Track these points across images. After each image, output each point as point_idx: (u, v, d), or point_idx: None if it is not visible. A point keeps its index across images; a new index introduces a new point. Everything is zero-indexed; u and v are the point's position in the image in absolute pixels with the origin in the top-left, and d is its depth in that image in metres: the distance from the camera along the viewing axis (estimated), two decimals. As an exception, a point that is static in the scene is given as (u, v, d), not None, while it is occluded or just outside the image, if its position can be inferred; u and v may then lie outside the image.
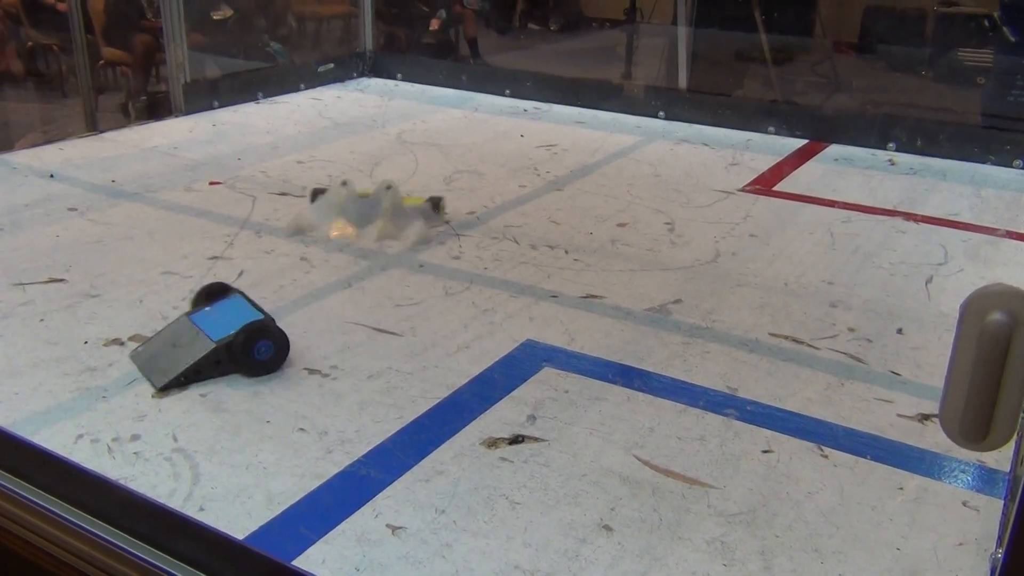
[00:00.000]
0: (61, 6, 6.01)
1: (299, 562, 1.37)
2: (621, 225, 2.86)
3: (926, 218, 3.00)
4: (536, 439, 1.70)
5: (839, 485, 1.59)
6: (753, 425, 1.77)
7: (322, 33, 7.76)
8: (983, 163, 3.63)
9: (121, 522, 1.33)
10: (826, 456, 1.68)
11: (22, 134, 5.49)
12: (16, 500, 1.40)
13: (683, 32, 4.93)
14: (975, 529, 1.49)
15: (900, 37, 5.98)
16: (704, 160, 3.62)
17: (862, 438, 1.74)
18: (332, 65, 4.95)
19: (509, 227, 2.82)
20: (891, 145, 3.79)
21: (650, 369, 1.98)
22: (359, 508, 1.50)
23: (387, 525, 1.46)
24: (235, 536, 1.41)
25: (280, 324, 1.95)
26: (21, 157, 3.44)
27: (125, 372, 1.90)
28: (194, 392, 1.83)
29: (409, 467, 1.61)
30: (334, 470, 1.60)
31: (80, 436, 1.68)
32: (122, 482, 1.54)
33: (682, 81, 4.75)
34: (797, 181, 3.39)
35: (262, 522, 1.46)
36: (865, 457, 1.68)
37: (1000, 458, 1.65)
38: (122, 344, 2.02)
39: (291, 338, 1.96)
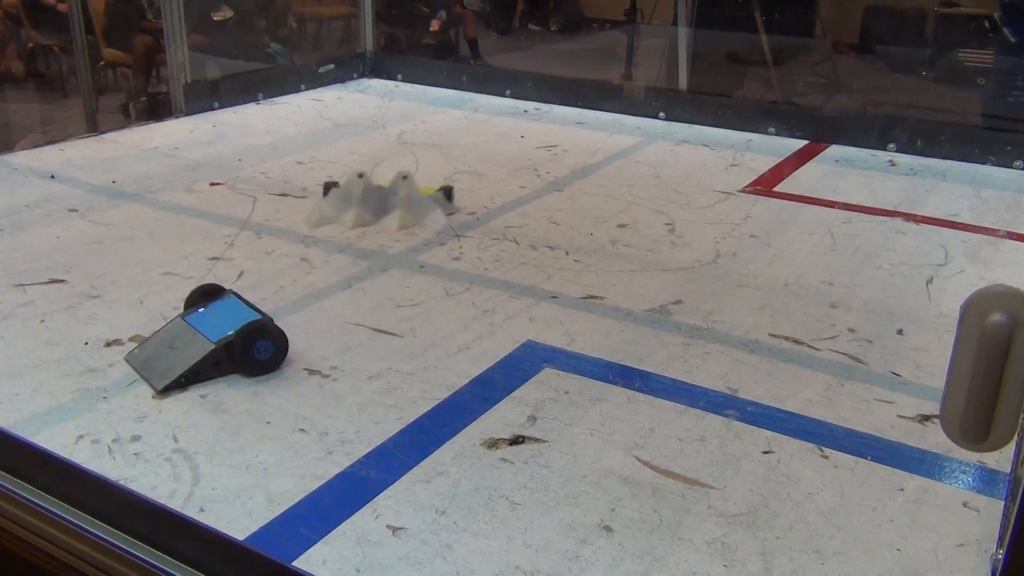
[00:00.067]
0: (62, 7, 6.02)
1: (299, 563, 1.37)
2: (621, 226, 2.86)
3: (926, 219, 2.99)
4: (536, 440, 1.70)
5: (839, 486, 1.59)
6: (753, 426, 1.77)
7: (322, 34, 7.77)
8: (983, 164, 3.62)
9: (121, 523, 1.33)
10: (826, 457, 1.68)
11: (23, 135, 5.50)
12: (16, 501, 1.40)
13: (683, 33, 4.93)
14: (976, 530, 1.49)
15: (900, 38, 5.99)
16: (704, 161, 3.62)
17: (862, 439, 1.74)
18: (332, 66, 4.95)
19: (509, 228, 2.82)
20: (891, 146, 3.79)
21: (650, 370, 1.98)
22: (359, 509, 1.50)
23: (387, 526, 1.46)
24: (235, 537, 1.41)
25: (280, 325, 1.95)
26: (22, 158, 3.44)
27: (125, 373, 1.90)
28: (194, 393, 1.83)
29: (409, 468, 1.61)
30: (334, 471, 1.60)
31: (80, 437, 1.68)
32: (122, 483, 1.54)
33: (682, 82, 4.76)
34: (797, 182, 3.39)
35: (262, 523, 1.46)
36: (865, 458, 1.67)
37: (1001, 459, 1.65)
38: (122, 345, 2.02)
39: (291, 339, 1.96)
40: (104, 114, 5.47)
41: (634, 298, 2.34)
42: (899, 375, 1.99)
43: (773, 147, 3.84)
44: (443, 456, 1.65)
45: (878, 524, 1.50)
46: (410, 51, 6.98)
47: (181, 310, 2.04)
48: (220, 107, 4.25)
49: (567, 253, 2.63)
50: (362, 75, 5.08)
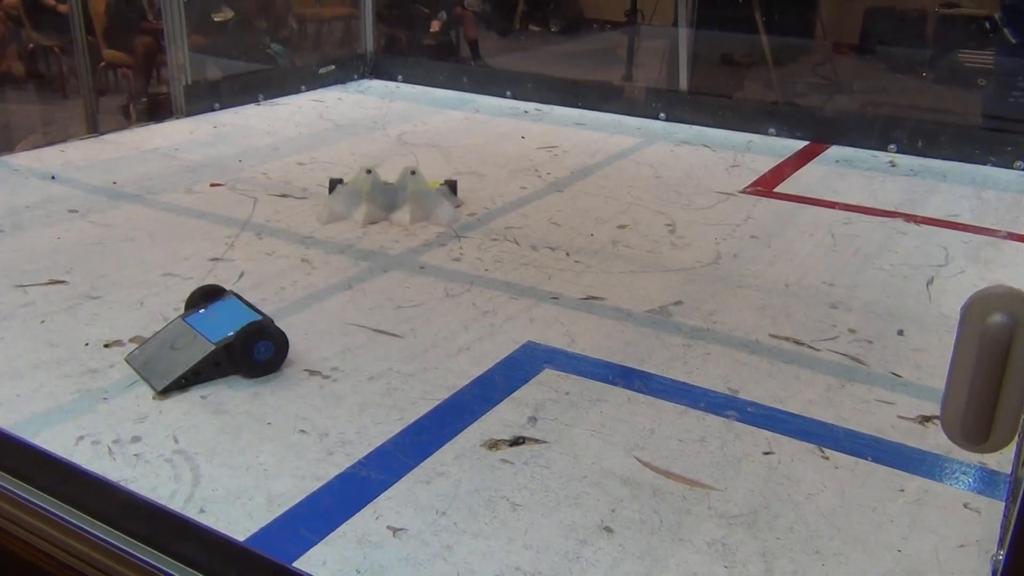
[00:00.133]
0: (62, 8, 6.01)
1: (300, 564, 1.37)
2: (622, 227, 2.86)
3: (927, 219, 2.99)
4: (537, 441, 1.70)
5: (840, 487, 1.59)
6: (754, 427, 1.77)
7: (323, 35, 7.77)
8: (984, 164, 3.62)
9: (122, 524, 1.33)
10: (827, 458, 1.68)
11: (23, 136, 5.50)
12: (17, 502, 1.40)
13: (684, 33, 4.93)
14: (976, 531, 1.49)
15: (901, 38, 5.99)
16: (705, 162, 3.62)
17: (863, 440, 1.74)
18: (333, 67, 4.95)
19: (510, 228, 2.82)
20: (892, 147, 3.79)
21: (651, 371, 1.98)
22: (360, 510, 1.50)
23: (388, 527, 1.46)
24: (236, 538, 1.41)
25: (281, 325, 1.95)
26: (22, 159, 3.44)
27: (126, 374, 1.90)
28: (195, 394, 1.83)
29: (410, 469, 1.61)
30: (335, 471, 1.60)
31: (81, 438, 1.68)
32: (123, 484, 1.54)
33: (683, 83, 4.75)
34: (798, 182, 3.39)
35: (263, 524, 1.46)
36: (866, 459, 1.67)
37: (1001, 460, 1.65)
38: (123, 346, 2.02)
39: (292, 339, 1.96)
40: (104, 115, 5.47)
41: (634, 299, 2.34)
42: (900, 376, 1.98)
43: (774, 148, 3.84)
44: (443, 457, 1.65)
45: (879, 525, 1.50)
46: (410, 52, 6.98)
47: (182, 311, 2.04)
48: (220, 108, 4.25)
49: (567, 254, 2.63)
50: (362, 76, 5.08)
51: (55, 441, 1.66)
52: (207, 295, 2.04)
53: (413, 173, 2.86)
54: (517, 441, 1.70)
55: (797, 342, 2.12)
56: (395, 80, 5.04)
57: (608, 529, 1.47)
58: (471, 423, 1.75)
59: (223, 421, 1.74)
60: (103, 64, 6.45)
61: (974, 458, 1.68)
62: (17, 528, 1.38)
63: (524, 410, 1.80)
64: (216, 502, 1.51)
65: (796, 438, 1.73)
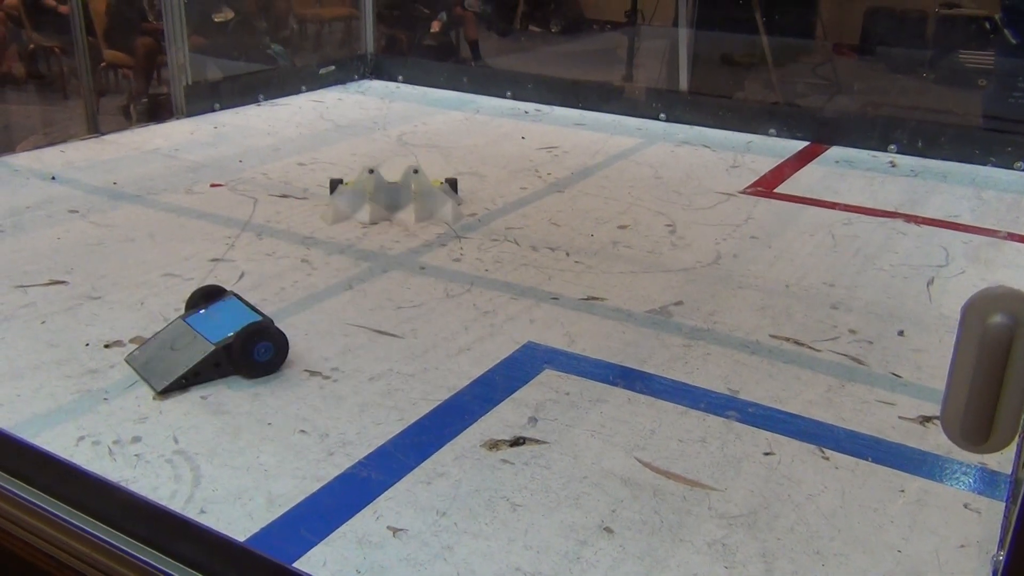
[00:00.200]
0: (63, 8, 6.02)
1: (300, 564, 1.37)
2: (622, 227, 2.86)
3: (927, 220, 2.99)
4: (537, 441, 1.70)
5: (840, 487, 1.59)
6: (754, 427, 1.77)
7: (323, 35, 7.77)
8: (984, 165, 3.62)
9: (122, 524, 1.33)
10: (827, 458, 1.68)
11: (24, 136, 5.50)
12: (17, 502, 1.40)
13: (684, 34, 4.93)
14: (977, 531, 1.49)
15: (901, 39, 5.99)
16: (705, 162, 3.62)
17: (863, 440, 1.74)
18: (333, 67, 4.96)
19: (510, 229, 2.82)
20: (892, 147, 3.79)
21: (651, 371, 1.98)
22: (360, 510, 1.50)
23: (388, 527, 1.46)
24: (236, 538, 1.41)
25: (281, 326, 1.95)
26: (23, 159, 3.44)
27: (126, 374, 1.90)
28: (195, 394, 1.83)
29: (410, 469, 1.61)
30: (335, 472, 1.60)
31: (81, 438, 1.68)
32: (123, 484, 1.54)
33: (683, 83, 4.76)
34: (798, 183, 3.39)
35: (263, 524, 1.46)
36: (866, 459, 1.67)
37: (1002, 460, 1.65)
38: (123, 346, 2.02)
39: (292, 340, 1.96)
40: (105, 115, 5.47)
41: (635, 299, 2.34)
42: (900, 376, 1.98)
43: (774, 148, 3.84)
44: (444, 457, 1.65)
45: (879, 525, 1.50)
46: (411, 52, 6.98)
47: (182, 311, 2.04)
48: (221, 108, 4.25)
49: (568, 254, 2.63)
50: (363, 76, 5.08)
51: (55, 442, 1.66)
52: (207, 295, 2.04)
53: (416, 172, 2.86)
54: (517, 442, 1.70)
55: (797, 343, 2.12)
56: (395, 80, 5.04)
57: (608, 530, 1.47)
58: (471, 424, 1.75)
59: (223, 421, 1.74)
60: (104, 65, 6.45)
61: (974, 459, 1.67)
62: (17, 528, 1.38)
63: (524, 411, 1.80)
64: (216, 502, 1.51)
65: (796, 439, 1.73)
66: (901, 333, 2.19)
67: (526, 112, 4.43)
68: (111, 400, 1.81)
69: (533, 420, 1.77)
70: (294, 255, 2.57)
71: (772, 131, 4.03)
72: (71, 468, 1.52)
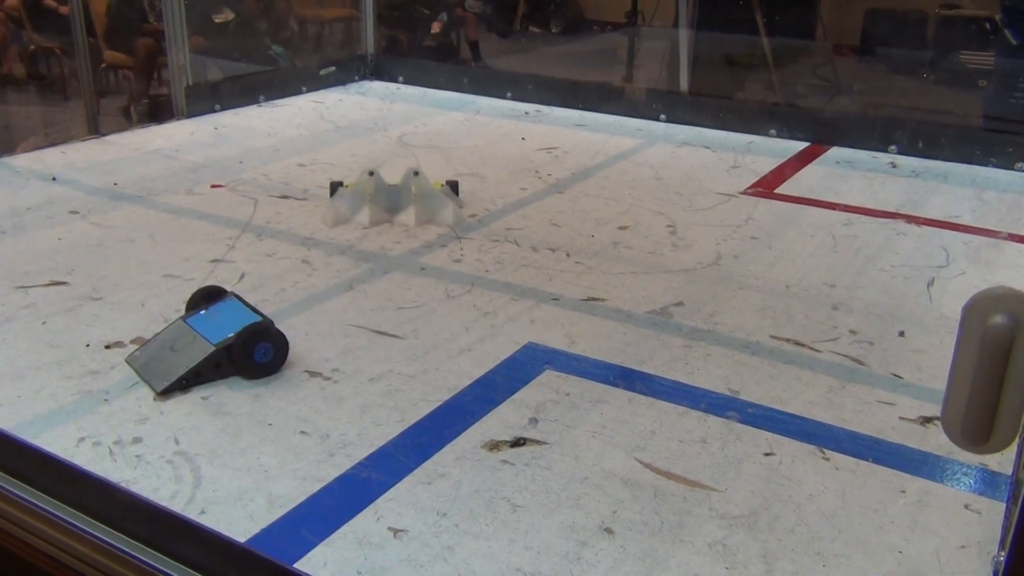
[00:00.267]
0: (63, 9, 6.02)
1: (301, 565, 1.37)
2: (622, 228, 2.86)
3: (928, 221, 2.99)
4: (538, 442, 1.70)
5: (841, 488, 1.59)
6: (755, 428, 1.77)
7: (324, 36, 7.78)
8: (985, 166, 3.62)
9: (123, 525, 1.33)
10: (828, 459, 1.67)
11: (24, 137, 5.51)
12: (17, 503, 1.40)
13: (684, 35, 4.93)
14: (977, 532, 1.49)
15: (901, 40, 5.99)
16: (705, 163, 3.62)
17: (864, 441, 1.74)
18: (333, 68, 4.96)
19: (510, 230, 2.82)
20: (893, 148, 3.79)
21: (651, 372, 1.98)
22: (361, 511, 1.50)
23: (389, 528, 1.46)
24: (237, 539, 1.41)
25: (281, 327, 1.95)
26: (23, 160, 3.45)
27: (127, 375, 1.91)
28: (195, 395, 1.83)
29: (410, 470, 1.61)
30: (335, 473, 1.60)
31: (82, 439, 1.68)
32: (124, 485, 1.54)
33: (683, 84, 4.76)
34: (799, 184, 3.39)
35: (264, 525, 1.46)
36: (867, 460, 1.67)
37: (1003, 461, 1.65)
38: (124, 347, 2.02)
39: (293, 341, 1.96)
40: (105, 116, 5.48)
41: (635, 300, 2.34)
42: (900, 377, 1.98)
43: (774, 149, 3.84)
44: (444, 458, 1.65)
45: (880, 526, 1.50)
46: (411, 53, 6.99)
47: (182, 312, 2.04)
48: (221, 109, 4.25)
49: (568, 255, 2.63)
50: (363, 77, 5.09)
51: (56, 442, 1.66)
52: (208, 296, 2.04)
53: (416, 174, 2.86)
54: (518, 442, 1.70)
55: (798, 343, 2.12)
56: (396, 81, 5.04)
57: (609, 530, 1.47)
58: (472, 424, 1.75)
59: (224, 422, 1.74)
60: (104, 66, 6.46)
61: (975, 459, 1.67)
62: (18, 529, 1.38)
63: (525, 411, 1.80)
64: (217, 503, 1.51)
65: (797, 439, 1.73)
66: (902, 334, 2.19)
67: (526, 113, 4.43)
68: (112, 401, 1.81)
69: (534, 421, 1.77)
70: (294, 256, 2.57)
71: (772, 132, 4.03)
72: (72, 469, 1.52)
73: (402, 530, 1.45)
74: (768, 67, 5.66)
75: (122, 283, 2.36)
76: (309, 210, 2.94)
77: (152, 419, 1.75)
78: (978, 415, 0.91)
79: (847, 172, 3.56)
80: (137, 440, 1.68)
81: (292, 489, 1.55)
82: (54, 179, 3.19)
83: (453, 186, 2.99)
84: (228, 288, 2.12)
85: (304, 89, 4.72)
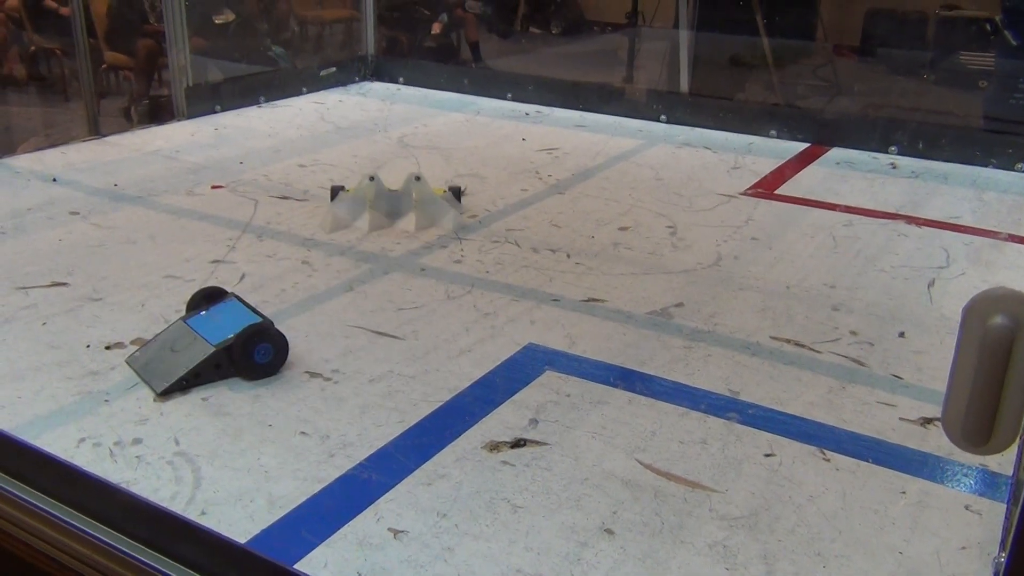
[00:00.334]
0: (64, 10, 6.03)
1: (301, 566, 1.37)
2: (623, 229, 2.86)
3: (928, 221, 2.99)
4: (538, 443, 1.70)
5: (841, 489, 1.59)
6: (755, 428, 1.77)
7: (324, 37, 7.78)
8: (985, 166, 3.62)
9: (123, 526, 1.33)
10: (828, 460, 1.67)
11: (25, 138, 5.51)
12: (18, 504, 1.40)
13: (685, 36, 4.93)
14: (978, 533, 1.49)
15: (902, 41, 5.99)
16: (706, 164, 3.62)
17: (864, 442, 1.74)
18: (334, 69, 4.96)
19: (511, 231, 2.82)
20: (893, 149, 3.79)
21: (652, 372, 1.98)
22: (361, 512, 1.50)
23: (389, 529, 1.46)
24: (237, 540, 1.41)
25: (281, 327, 1.95)
26: (24, 161, 3.45)
27: (127, 376, 1.91)
28: (196, 396, 1.83)
29: (411, 471, 1.61)
30: (336, 474, 1.60)
31: (82, 440, 1.68)
32: (124, 486, 1.54)
33: (684, 85, 4.76)
34: (799, 185, 3.39)
35: (264, 526, 1.46)
36: (867, 461, 1.67)
37: (1003, 462, 1.65)
38: (124, 348, 2.02)
39: (293, 342, 1.96)
40: (106, 117, 5.48)
41: (636, 301, 2.34)
42: (901, 378, 1.98)
43: (775, 150, 3.84)
44: (444, 459, 1.65)
45: (880, 527, 1.50)
46: (411, 54, 6.99)
47: (183, 313, 2.04)
48: (222, 110, 4.25)
49: (568, 256, 2.63)
50: (364, 78, 5.09)
51: (56, 443, 1.66)
52: (208, 297, 2.05)
53: (417, 179, 2.84)
54: (518, 443, 1.70)
55: (798, 344, 2.12)
56: (396, 82, 5.04)
57: (609, 531, 1.47)
58: (472, 425, 1.75)
59: (224, 423, 1.74)
60: (104, 66, 6.46)
61: (975, 460, 1.67)
62: (18, 530, 1.38)
63: (525, 412, 1.80)
64: (217, 504, 1.51)
65: (797, 440, 1.73)
66: (902, 335, 2.19)
67: (527, 114, 4.43)
68: (112, 402, 1.81)
69: (534, 422, 1.77)
70: (295, 257, 2.57)
71: (773, 133, 4.03)
72: (72, 470, 1.52)
73: (402, 531, 1.45)
74: (768, 68, 5.66)
75: (122, 284, 2.36)
76: (309, 211, 2.94)
77: (152, 420, 1.75)
78: (978, 416, 0.91)
79: (847, 173, 3.56)
80: (137, 441, 1.68)
81: (292, 490, 1.55)
82: (55, 180, 3.19)
83: (455, 192, 2.96)
84: (228, 289, 2.12)
85: (304, 90, 4.72)
